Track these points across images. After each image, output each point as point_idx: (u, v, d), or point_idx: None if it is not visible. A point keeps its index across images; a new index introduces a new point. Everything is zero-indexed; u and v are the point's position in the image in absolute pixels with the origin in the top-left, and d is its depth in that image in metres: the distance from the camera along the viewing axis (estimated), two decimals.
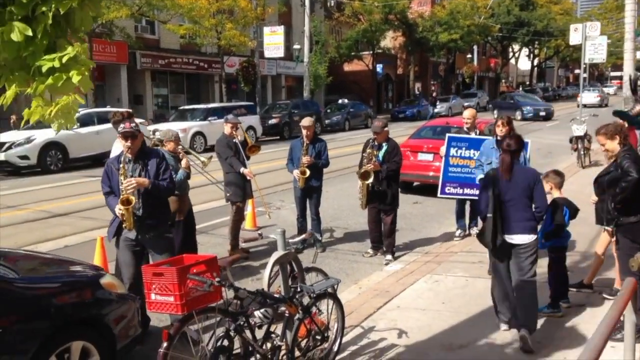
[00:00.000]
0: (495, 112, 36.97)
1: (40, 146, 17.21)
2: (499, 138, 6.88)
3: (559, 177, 5.97)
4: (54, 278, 4.43)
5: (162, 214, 5.25)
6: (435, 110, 40.63)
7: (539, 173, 5.44)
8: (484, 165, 7.11)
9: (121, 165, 5.00)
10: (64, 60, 2.17)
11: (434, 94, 47.20)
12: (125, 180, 4.90)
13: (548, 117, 35.25)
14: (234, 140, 8.09)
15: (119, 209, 4.92)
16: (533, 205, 5.03)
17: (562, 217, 5.66)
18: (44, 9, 2.18)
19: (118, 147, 6.14)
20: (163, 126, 17.87)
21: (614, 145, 5.28)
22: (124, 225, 5.01)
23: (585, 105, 42.78)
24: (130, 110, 7.89)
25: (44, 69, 2.21)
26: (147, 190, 4.99)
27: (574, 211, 5.77)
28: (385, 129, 7.86)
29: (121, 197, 4.89)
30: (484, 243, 5.19)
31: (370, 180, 7.64)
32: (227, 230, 8.26)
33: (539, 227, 5.45)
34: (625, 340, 2.92)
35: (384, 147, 7.81)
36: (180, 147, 6.95)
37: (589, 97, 46.80)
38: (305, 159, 8.04)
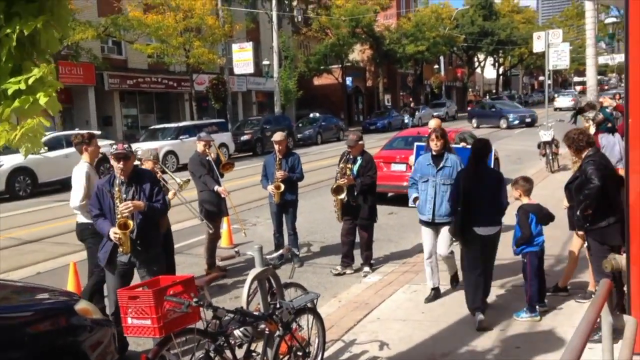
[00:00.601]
0: (474, 121, 36.41)
1: (8, 172, 16.83)
2: (434, 153, 6.42)
3: (527, 183, 6.02)
4: (26, 306, 4.31)
5: (154, 236, 5.21)
6: (405, 121, 40.73)
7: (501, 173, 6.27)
8: (419, 183, 6.48)
9: (116, 189, 4.91)
10: (30, 82, 2.12)
11: (412, 104, 47.25)
12: (122, 204, 4.83)
13: (533, 123, 34.20)
14: (207, 158, 8.05)
15: (114, 232, 4.84)
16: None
17: (527, 226, 5.72)
18: (7, 31, 2.12)
19: (79, 171, 6.02)
20: (143, 146, 17.67)
21: (571, 152, 5.63)
22: (120, 249, 4.92)
23: (561, 109, 45.24)
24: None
25: (9, 92, 2.15)
26: (142, 213, 4.94)
27: (544, 216, 5.81)
28: (360, 142, 7.78)
29: (118, 221, 4.81)
30: (454, 235, 6.06)
31: (343, 195, 7.60)
32: (203, 250, 8.18)
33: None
34: (603, 341, 2.95)
35: (359, 160, 7.74)
36: (158, 166, 6.91)
37: (564, 101, 49.50)
38: (279, 174, 8.01)
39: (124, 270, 5.06)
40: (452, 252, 6.53)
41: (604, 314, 2.78)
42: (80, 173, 6.00)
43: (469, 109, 51.19)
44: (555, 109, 46.52)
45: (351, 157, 7.76)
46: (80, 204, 5.96)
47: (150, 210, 4.97)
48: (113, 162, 4.96)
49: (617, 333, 3.44)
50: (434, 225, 6.36)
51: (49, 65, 2.19)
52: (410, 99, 51.65)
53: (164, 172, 7.15)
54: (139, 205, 4.90)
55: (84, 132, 6.75)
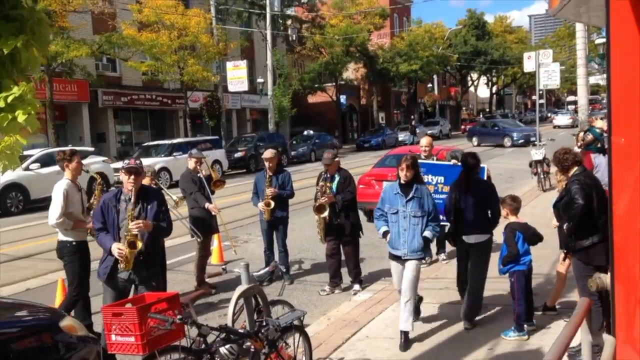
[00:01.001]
0: (475, 140, 36.18)
1: (0, 188, 16.80)
2: (402, 182, 5.82)
3: (514, 202, 6.06)
4: (12, 323, 4.30)
5: (156, 254, 5.20)
6: (400, 139, 40.76)
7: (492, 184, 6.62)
8: (388, 215, 5.86)
9: (129, 207, 4.90)
10: (9, 100, 2.14)
11: (413, 122, 47.24)
12: (134, 222, 4.81)
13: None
14: (199, 175, 8.06)
15: (118, 249, 4.82)
16: (489, 211, 6.08)
17: (514, 244, 5.74)
18: None
19: (57, 188, 6.00)
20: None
21: (558, 171, 5.77)
22: (121, 266, 4.90)
23: (560, 127, 47.36)
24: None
25: None
26: (149, 232, 4.93)
27: (531, 236, 5.84)
28: (336, 159, 7.82)
29: (127, 239, 4.81)
30: (450, 242, 6.56)
31: (326, 213, 7.61)
32: (193, 266, 8.16)
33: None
34: None
35: (337, 178, 7.77)
36: (154, 182, 6.96)
37: (563, 119, 52.26)
38: (269, 191, 8.03)
39: (122, 287, 5.04)
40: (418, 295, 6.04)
41: (583, 333, 2.79)
42: (58, 190, 5.96)
43: (462, 126, 51.51)
44: (555, 127, 49.51)
45: (328, 175, 7.77)
46: (57, 222, 5.91)
47: (157, 230, 4.98)
48: (123, 177, 4.94)
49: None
50: (404, 261, 5.77)
51: (28, 84, 2.22)
52: (412, 117, 51.84)
53: (160, 188, 7.19)
54: (148, 225, 4.88)
55: (67, 148, 6.71)
